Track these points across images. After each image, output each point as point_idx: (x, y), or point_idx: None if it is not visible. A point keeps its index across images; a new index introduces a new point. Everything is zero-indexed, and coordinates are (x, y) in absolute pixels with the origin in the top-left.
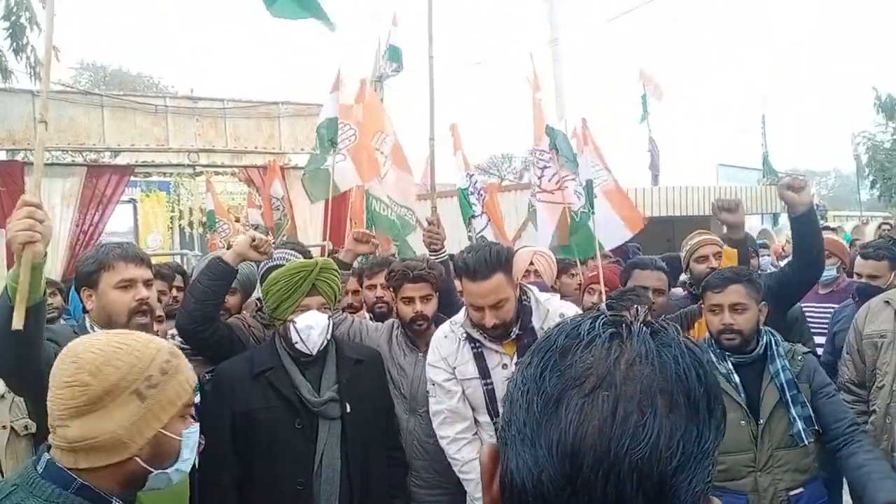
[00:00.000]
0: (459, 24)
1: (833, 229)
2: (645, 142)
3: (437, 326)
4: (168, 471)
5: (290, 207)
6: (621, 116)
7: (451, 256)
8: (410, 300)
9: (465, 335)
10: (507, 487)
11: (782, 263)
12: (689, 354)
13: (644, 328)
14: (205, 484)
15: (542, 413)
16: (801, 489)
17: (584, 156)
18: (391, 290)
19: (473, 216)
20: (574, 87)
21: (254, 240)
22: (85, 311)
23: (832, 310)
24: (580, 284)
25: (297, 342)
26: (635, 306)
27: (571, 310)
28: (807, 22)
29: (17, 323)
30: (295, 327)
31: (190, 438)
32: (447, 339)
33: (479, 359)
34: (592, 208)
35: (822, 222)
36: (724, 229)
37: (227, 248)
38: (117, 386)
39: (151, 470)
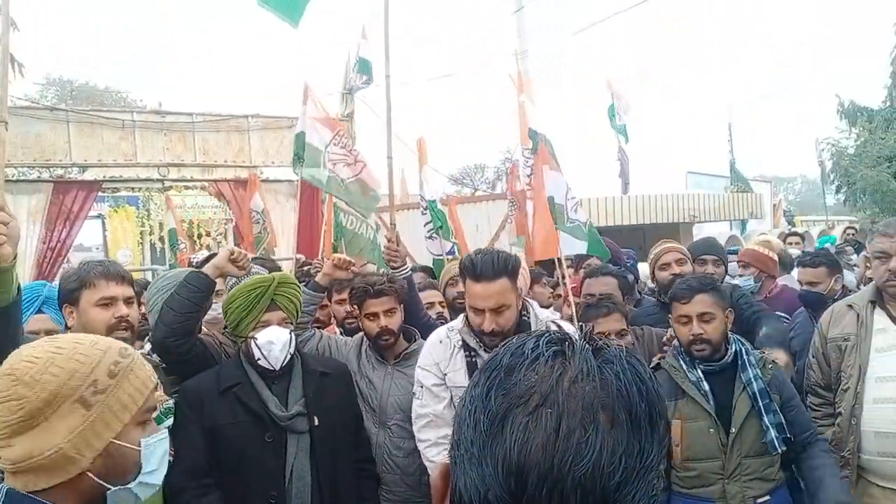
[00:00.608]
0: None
1: (801, 235)
2: (614, 150)
3: (404, 339)
4: (130, 486)
5: (270, 221)
6: (589, 126)
7: (414, 269)
8: (374, 316)
9: (460, 342)
10: None
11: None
12: (631, 371)
13: (587, 345)
14: (173, 495)
15: (487, 432)
16: (767, 497)
17: (554, 177)
18: (354, 307)
19: (441, 227)
20: (543, 97)
21: (232, 254)
22: (67, 328)
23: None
24: (552, 293)
25: (259, 358)
26: (590, 324)
27: (569, 328)
28: (772, 31)
29: None
30: (256, 343)
31: (155, 448)
32: (441, 345)
33: (473, 368)
34: (566, 223)
35: (789, 227)
36: (694, 237)
37: (189, 265)
38: (57, 395)
39: (108, 486)
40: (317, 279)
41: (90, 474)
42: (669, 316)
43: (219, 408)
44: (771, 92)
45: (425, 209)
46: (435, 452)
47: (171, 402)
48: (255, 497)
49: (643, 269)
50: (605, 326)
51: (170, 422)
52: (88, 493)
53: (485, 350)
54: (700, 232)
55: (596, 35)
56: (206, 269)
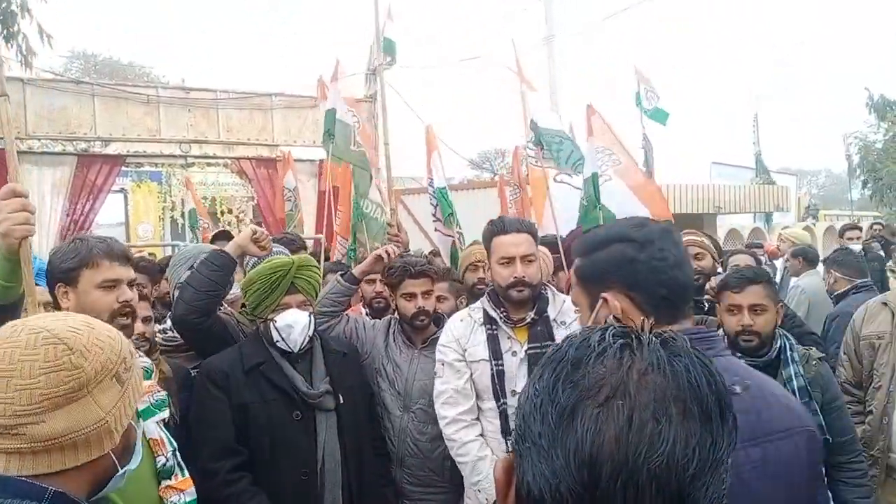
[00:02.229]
0: (454, 18)
1: (859, 228)
2: (638, 139)
3: (436, 325)
4: (128, 467)
5: (300, 199)
6: (615, 114)
7: (434, 254)
8: (412, 296)
9: (481, 318)
10: (523, 499)
11: (777, 263)
12: (700, 363)
13: (654, 338)
14: (205, 476)
15: (556, 424)
16: None
17: (590, 146)
18: (388, 286)
19: (452, 213)
20: (569, 84)
21: (255, 233)
22: (56, 307)
23: None
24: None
25: (277, 340)
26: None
27: None
28: (803, 22)
29: None
30: (275, 326)
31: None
32: (462, 323)
33: (493, 341)
34: (599, 202)
35: (812, 221)
36: (718, 228)
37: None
38: (104, 367)
39: (119, 468)
40: (354, 271)
41: (112, 454)
42: (718, 305)
43: (245, 386)
44: (797, 84)
45: (433, 196)
46: (454, 430)
47: (163, 394)
48: (286, 475)
49: None
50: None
51: (164, 414)
52: (102, 474)
53: (505, 322)
54: (724, 223)
55: (623, 21)
56: (228, 247)
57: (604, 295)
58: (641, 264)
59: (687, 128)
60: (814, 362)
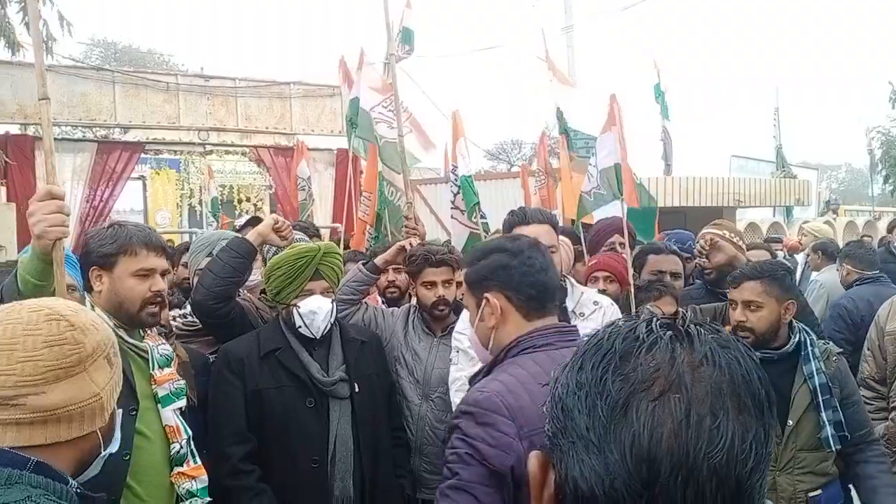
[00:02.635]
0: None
1: (778, 240)
2: (657, 131)
3: (456, 314)
4: (111, 449)
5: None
6: (634, 106)
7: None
8: (432, 284)
9: None
10: (568, 496)
11: (798, 257)
12: (749, 356)
13: (702, 329)
14: (217, 460)
15: (608, 418)
16: (819, 491)
17: (611, 134)
18: (409, 275)
19: (477, 203)
20: (587, 74)
21: (276, 223)
22: (89, 291)
23: None
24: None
25: (300, 326)
26: (681, 310)
27: (605, 300)
28: (826, 15)
29: None
30: (298, 312)
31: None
32: None
33: None
34: (621, 193)
35: (832, 216)
36: (737, 222)
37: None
38: (99, 346)
39: (102, 449)
40: (376, 261)
41: (98, 433)
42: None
43: (261, 372)
44: (817, 76)
45: (456, 184)
46: None
47: (182, 383)
48: (298, 462)
49: None
50: (663, 309)
51: (182, 402)
52: (88, 453)
53: None
54: (743, 217)
55: (643, 12)
56: (250, 236)
57: (486, 295)
58: (515, 269)
59: (707, 121)
60: (834, 357)
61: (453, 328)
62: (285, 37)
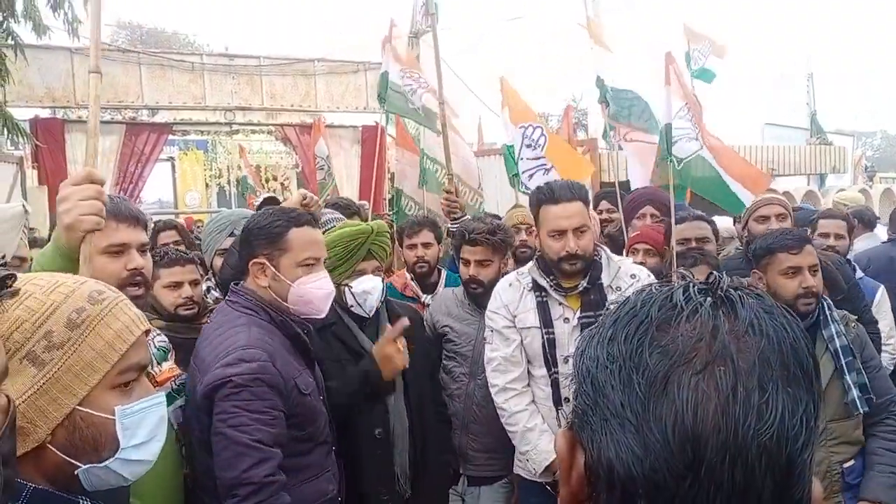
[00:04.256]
0: None
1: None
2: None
3: None
4: (107, 463)
5: (333, 167)
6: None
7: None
8: (467, 263)
9: (530, 284)
10: (602, 478)
11: None
12: (795, 322)
13: (744, 295)
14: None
15: (647, 394)
16: (853, 461)
17: (666, 94)
18: (455, 249)
19: (519, 173)
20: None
21: (304, 198)
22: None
23: None
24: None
25: (353, 306)
26: (716, 274)
27: (643, 272)
28: None
29: None
30: (351, 292)
31: (144, 417)
32: (511, 288)
33: (542, 308)
34: (671, 154)
35: (868, 183)
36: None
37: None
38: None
39: (76, 464)
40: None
41: (52, 448)
42: (754, 271)
43: (318, 345)
44: (850, 41)
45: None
46: (504, 399)
47: (184, 377)
48: (361, 437)
49: (721, 222)
50: (697, 276)
51: (180, 402)
52: (56, 471)
53: (555, 290)
54: (777, 186)
55: None
56: None
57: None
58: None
59: (739, 88)
60: (853, 324)
61: None
62: (309, 14)
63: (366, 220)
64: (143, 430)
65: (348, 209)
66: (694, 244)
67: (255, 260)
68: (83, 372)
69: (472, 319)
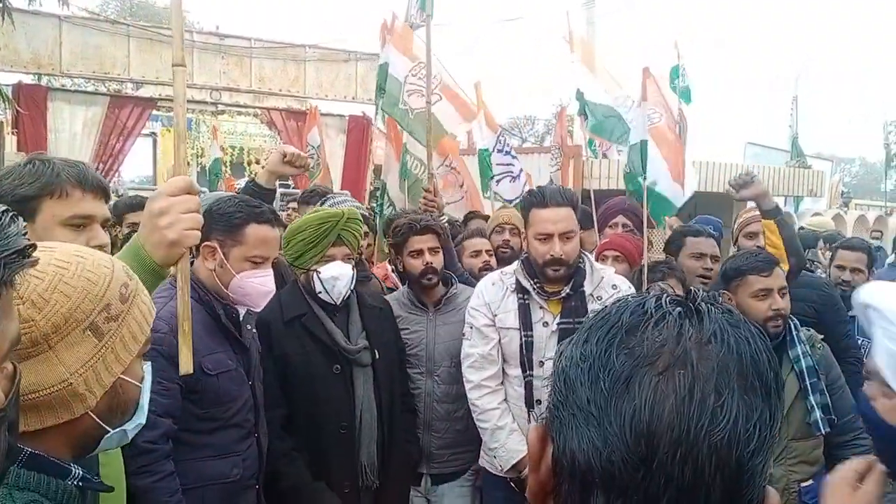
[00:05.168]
0: None
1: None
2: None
3: (444, 286)
4: (126, 427)
5: (324, 156)
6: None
7: (450, 222)
8: (419, 253)
9: (514, 285)
10: (565, 468)
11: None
12: (758, 336)
13: (713, 308)
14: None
15: (610, 391)
16: (811, 481)
17: (642, 111)
18: (393, 248)
19: (493, 177)
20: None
21: (286, 155)
22: None
23: None
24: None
25: (320, 292)
26: (693, 288)
27: (624, 283)
28: (847, 5)
29: (187, 366)
30: (319, 277)
31: (147, 384)
32: (494, 287)
33: (524, 310)
34: (645, 172)
35: (843, 209)
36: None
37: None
38: (69, 319)
39: (108, 429)
40: (260, 175)
41: (92, 414)
42: (724, 292)
43: (286, 337)
44: (835, 67)
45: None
46: (477, 395)
47: None
48: (325, 428)
49: None
50: (669, 288)
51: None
52: (83, 437)
53: (538, 293)
54: (753, 205)
55: None
56: (259, 177)
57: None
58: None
59: (723, 106)
60: (818, 344)
61: (447, 299)
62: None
63: None
64: (147, 395)
65: (318, 195)
66: (709, 260)
67: (207, 243)
68: (130, 342)
69: (419, 319)
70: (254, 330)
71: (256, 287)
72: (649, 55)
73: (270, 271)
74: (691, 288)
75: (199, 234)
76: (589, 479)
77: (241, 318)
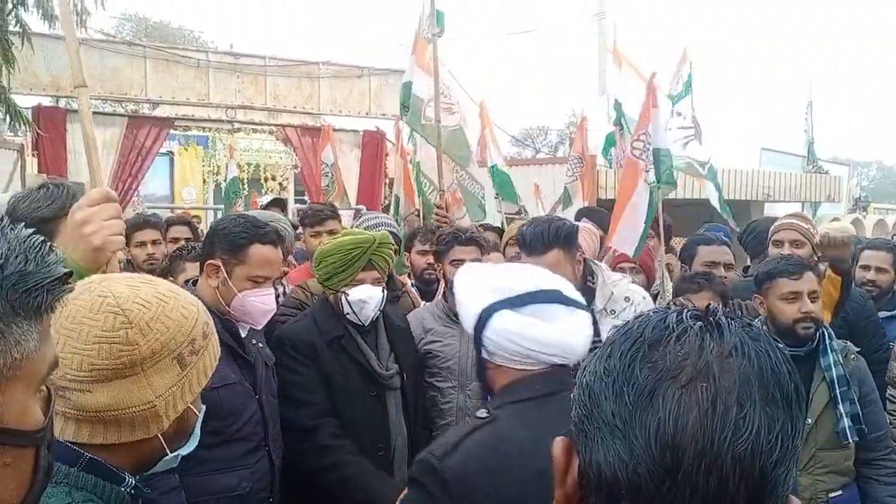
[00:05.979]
0: None
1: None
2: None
3: None
4: (181, 451)
5: (339, 173)
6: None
7: (486, 227)
8: (461, 262)
9: None
10: (591, 481)
11: None
12: (779, 349)
13: (734, 321)
14: (306, 433)
15: (634, 405)
16: (840, 492)
17: (657, 117)
18: (436, 255)
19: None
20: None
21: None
22: None
23: None
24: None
25: (348, 313)
26: (712, 304)
27: (637, 294)
28: (861, 9)
29: None
30: (347, 299)
31: (202, 414)
32: None
33: None
34: (660, 179)
35: (861, 214)
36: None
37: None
38: (164, 347)
39: (168, 451)
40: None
41: (160, 436)
42: (756, 295)
43: (328, 357)
44: (851, 71)
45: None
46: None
47: None
48: (364, 450)
49: None
50: (697, 303)
51: None
52: (148, 457)
53: None
54: (772, 211)
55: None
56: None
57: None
58: None
59: (738, 112)
60: (852, 356)
61: None
62: (315, 17)
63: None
64: (199, 423)
65: (320, 213)
66: (722, 269)
67: (211, 261)
68: (202, 375)
69: (452, 332)
70: (260, 345)
71: (258, 306)
72: (663, 64)
73: (272, 290)
74: (710, 303)
75: (122, 238)
76: (615, 492)
77: (241, 335)
